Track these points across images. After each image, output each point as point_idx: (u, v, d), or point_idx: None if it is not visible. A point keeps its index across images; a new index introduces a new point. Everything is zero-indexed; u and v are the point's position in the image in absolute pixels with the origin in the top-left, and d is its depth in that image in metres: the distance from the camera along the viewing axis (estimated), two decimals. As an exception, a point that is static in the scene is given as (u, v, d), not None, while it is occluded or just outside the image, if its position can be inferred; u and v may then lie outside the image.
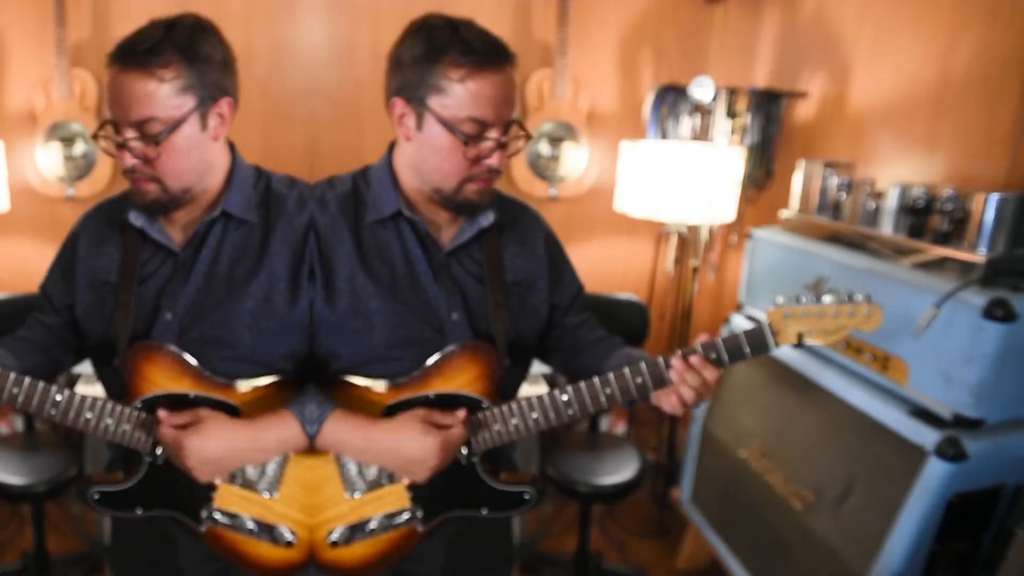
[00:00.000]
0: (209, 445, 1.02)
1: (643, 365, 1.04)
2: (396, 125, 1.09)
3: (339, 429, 1.05)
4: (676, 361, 1.03)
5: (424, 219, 1.12)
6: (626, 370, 1.04)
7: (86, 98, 2.30)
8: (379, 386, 1.09)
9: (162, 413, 1.04)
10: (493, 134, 1.04)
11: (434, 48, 1.01)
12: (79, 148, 2.31)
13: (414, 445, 1.04)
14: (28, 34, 2.29)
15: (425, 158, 1.07)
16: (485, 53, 1.01)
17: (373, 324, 1.08)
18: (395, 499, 1.10)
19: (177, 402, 1.06)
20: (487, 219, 1.14)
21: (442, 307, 1.11)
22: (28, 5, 2.26)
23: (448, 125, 1.03)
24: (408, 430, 1.05)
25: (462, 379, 1.09)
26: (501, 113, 1.04)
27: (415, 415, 1.06)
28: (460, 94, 1.01)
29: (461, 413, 1.07)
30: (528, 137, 1.11)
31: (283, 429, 1.04)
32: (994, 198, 1.34)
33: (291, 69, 2.45)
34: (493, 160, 1.06)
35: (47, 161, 2.31)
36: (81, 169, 2.32)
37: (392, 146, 1.15)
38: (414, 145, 1.08)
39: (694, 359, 1.03)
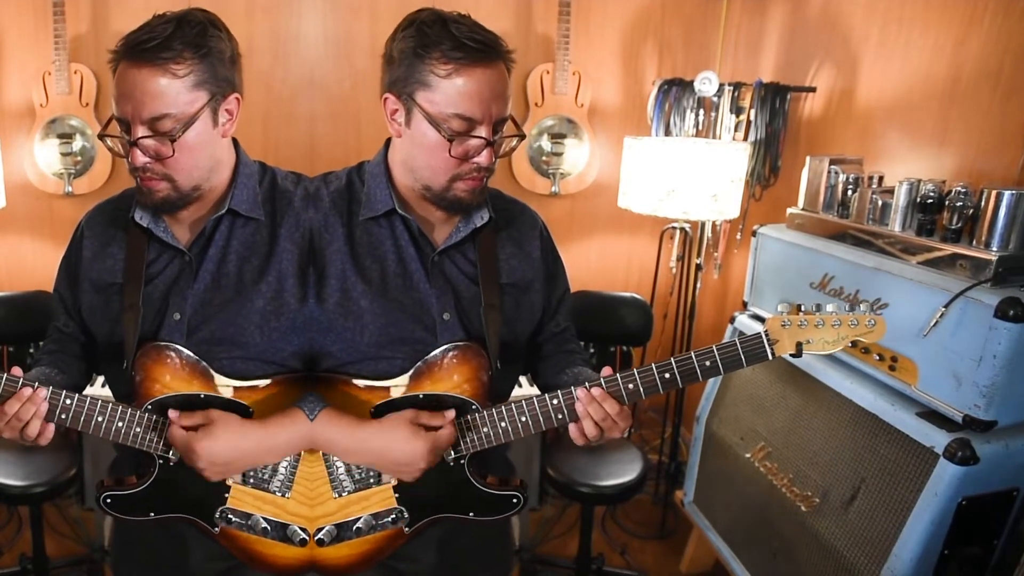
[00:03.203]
0: (219, 447, 1.02)
1: (559, 392, 1.04)
2: (388, 121, 1.08)
3: (328, 429, 1.05)
4: (581, 392, 1.02)
5: (418, 217, 1.11)
6: (547, 395, 1.04)
7: (85, 93, 2.28)
8: (368, 385, 1.08)
9: (172, 414, 1.03)
10: (481, 132, 1.02)
11: (422, 43, 1.00)
12: (77, 144, 2.29)
13: (404, 447, 1.03)
14: (26, 28, 2.27)
15: (414, 155, 1.06)
16: (473, 48, 0.99)
17: (364, 323, 1.07)
18: (381, 500, 1.09)
19: (187, 404, 1.05)
20: (481, 218, 1.13)
21: (434, 307, 1.10)
22: (26, -1, 2.25)
23: (434, 122, 1.01)
24: (397, 432, 1.04)
25: (452, 381, 1.08)
26: (490, 110, 1.02)
27: (404, 417, 1.05)
28: (447, 90, 0.99)
29: (450, 414, 1.06)
30: (522, 136, 1.09)
31: (294, 429, 1.04)
32: (1007, 195, 1.31)
33: (294, 63, 2.43)
34: (482, 159, 1.04)
35: (45, 157, 2.29)
36: (79, 165, 2.31)
37: (388, 142, 1.14)
38: (404, 141, 1.07)
39: (596, 391, 1.02)
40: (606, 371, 1.04)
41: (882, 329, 1.01)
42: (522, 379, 1.96)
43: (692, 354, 1.02)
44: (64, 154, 2.29)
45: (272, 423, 1.05)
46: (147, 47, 0.96)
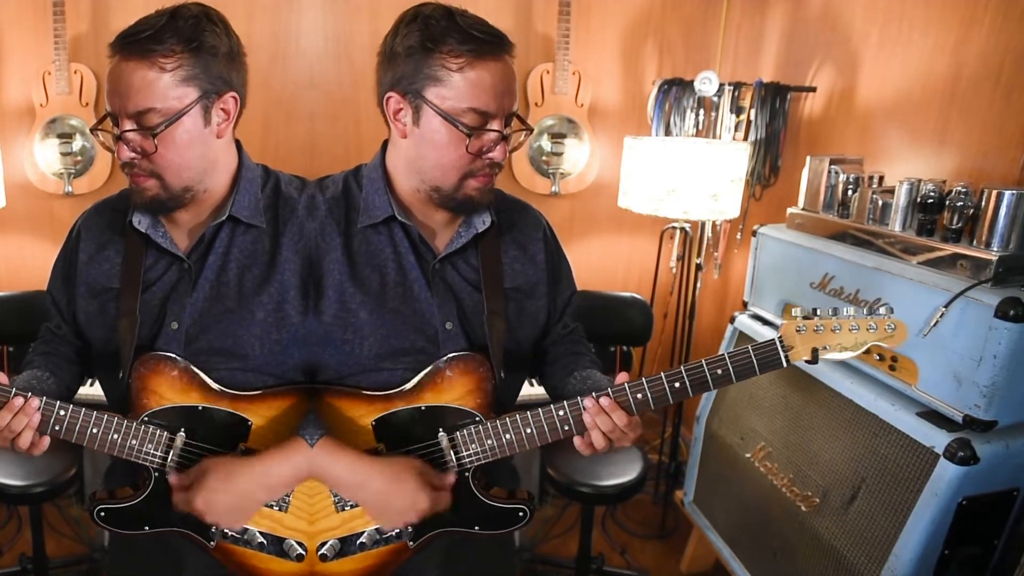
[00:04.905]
0: (220, 499, 0.99)
1: (565, 403, 1.00)
2: (391, 122, 1.04)
3: (327, 459, 1.01)
4: (588, 403, 0.98)
5: (418, 223, 1.08)
6: (552, 406, 1.00)
7: (85, 93, 2.28)
8: (369, 397, 1.05)
9: (172, 479, 1.01)
10: (495, 126, 0.99)
11: (430, 37, 0.97)
12: (77, 144, 2.29)
13: (404, 499, 1.01)
14: (26, 28, 2.27)
15: (424, 154, 1.02)
16: (484, 40, 0.97)
17: (363, 335, 1.04)
18: None
19: (185, 415, 1.02)
20: (483, 222, 1.09)
21: (435, 316, 1.06)
22: (26, -2, 2.25)
23: (448, 118, 0.98)
24: (404, 480, 1.02)
25: (454, 392, 1.05)
26: (503, 103, 0.99)
27: (412, 465, 1.03)
28: (460, 84, 0.97)
29: (451, 478, 1.04)
30: (529, 130, 1.06)
31: (292, 463, 1.01)
32: (1007, 194, 1.31)
33: (294, 63, 2.43)
34: (497, 153, 1.01)
35: (45, 157, 2.29)
36: (79, 165, 2.30)
37: (385, 145, 1.10)
38: (411, 141, 1.03)
39: (604, 401, 0.98)
40: (622, 377, 1.00)
41: (903, 333, 0.96)
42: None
43: (703, 362, 0.97)
44: (64, 154, 2.28)
45: (271, 458, 1.01)
46: (137, 39, 0.94)
